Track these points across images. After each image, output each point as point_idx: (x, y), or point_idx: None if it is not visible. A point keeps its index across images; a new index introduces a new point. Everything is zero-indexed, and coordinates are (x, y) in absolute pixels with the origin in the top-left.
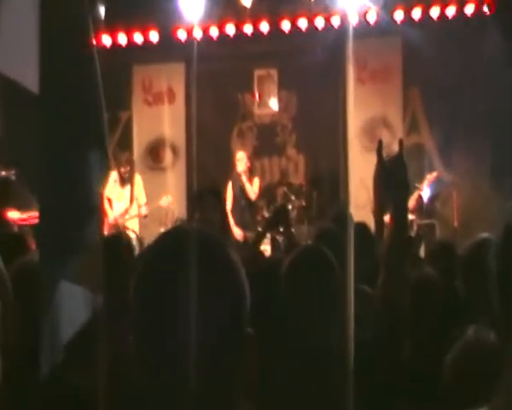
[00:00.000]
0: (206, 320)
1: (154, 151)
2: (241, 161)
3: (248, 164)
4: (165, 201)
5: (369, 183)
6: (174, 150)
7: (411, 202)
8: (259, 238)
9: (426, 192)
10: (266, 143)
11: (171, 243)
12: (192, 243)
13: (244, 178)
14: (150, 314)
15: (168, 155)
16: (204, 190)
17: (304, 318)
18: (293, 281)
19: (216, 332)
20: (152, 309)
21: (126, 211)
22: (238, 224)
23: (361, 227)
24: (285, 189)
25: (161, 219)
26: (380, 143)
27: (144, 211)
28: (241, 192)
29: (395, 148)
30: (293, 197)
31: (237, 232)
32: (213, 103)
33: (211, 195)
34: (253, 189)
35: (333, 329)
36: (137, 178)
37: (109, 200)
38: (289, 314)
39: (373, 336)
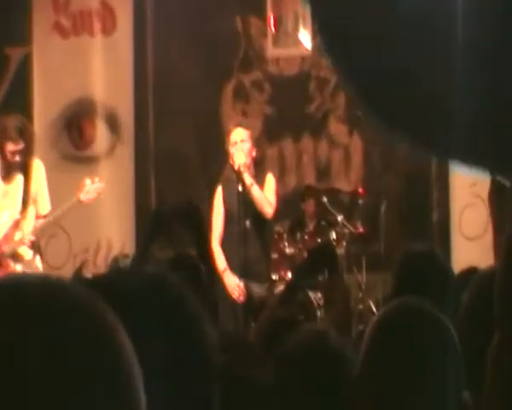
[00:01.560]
0: None
1: (75, 124)
2: (241, 145)
3: (254, 151)
4: (90, 190)
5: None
6: (112, 125)
7: None
8: (287, 296)
9: None
10: (289, 113)
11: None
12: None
13: (246, 178)
14: None
15: (101, 134)
16: (168, 208)
17: None
18: (382, 361)
19: None
20: None
21: (16, 225)
22: (234, 266)
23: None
24: (324, 199)
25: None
26: None
27: (42, 222)
28: (240, 205)
29: None
30: (339, 218)
31: (232, 282)
32: (189, 35)
33: (180, 216)
34: (263, 197)
35: None
36: (37, 167)
37: None
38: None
39: None
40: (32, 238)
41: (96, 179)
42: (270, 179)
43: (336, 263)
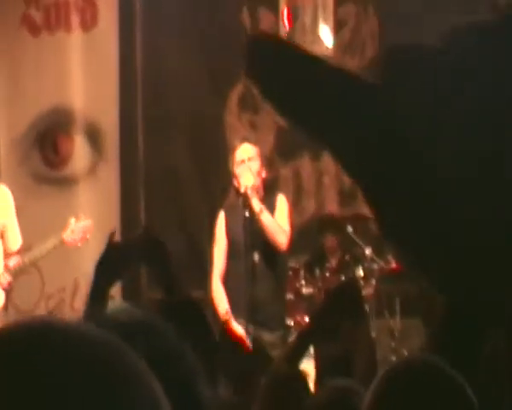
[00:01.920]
0: None
1: (48, 139)
2: (248, 164)
3: (264, 172)
4: (76, 230)
5: None
6: (94, 139)
7: None
8: (301, 347)
9: None
10: None
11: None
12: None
13: (255, 204)
14: None
15: (80, 150)
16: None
17: None
18: None
19: None
20: None
21: None
22: (240, 310)
23: None
24: (349, 229)
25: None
26: None
27: (15, 263)
28: (246, 235)
29: None
30: (368, 250)
31: (236, 330)
32: (187, 32)
33: (139, 250)
34: (275, 225)
35: None
36: (3, 194)
37: None
38: None
39: None
40: (9, 279)
41: (82, 217)
42: (282, 202)
43: (362, 307)
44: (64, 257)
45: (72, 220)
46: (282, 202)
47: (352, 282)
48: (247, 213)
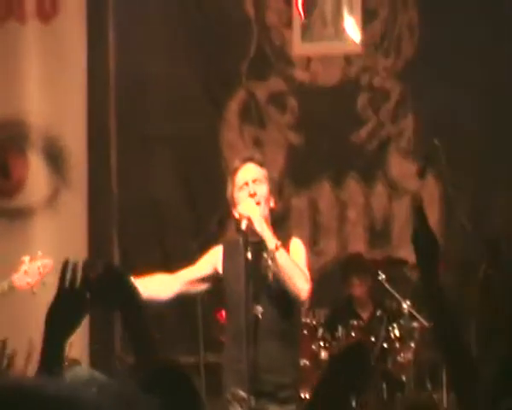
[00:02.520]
0: None
1: None
2: (253, 187)
3: (273, 201)
4: (30, 271)
5: None
6: (54, 160)
7: None
8: None
9: None
10: (325, 143)
11: None
12: None
13: (268, 237)
14: None
15: (37, 173)
16: (114, 271)
17: None
18: None
19: None
20: None
21: None
22: (241, 379)
23: None
24: (382, 276)
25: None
26: None
27: None
28: (248, 282)
29: None
30: (405, 304)
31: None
32: (173, 22)
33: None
34: (294, 266)
35: None
36: None
37: None
38: None
39: None
40: None
41: (39, 254)
42: (298, 247)
43: (372, 376)
44: (15, 308)
45: (26, 259)
46: (296, 246)
47: (362, 345)
48: (249, 255)
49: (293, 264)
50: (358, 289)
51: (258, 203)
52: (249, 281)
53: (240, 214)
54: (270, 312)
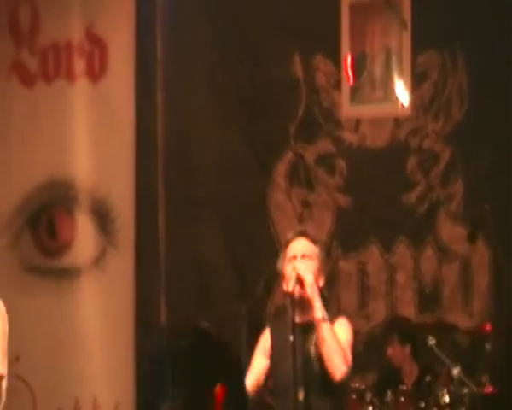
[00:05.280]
0: None
1: (44, 219)
2: (302, 265)
3: (322, 280)
4: None
5: None
6: (102, 220)
7: None
8: None
9: None
10: (374, 206)
11: None
12: None
13: (316, 307)
14: None
15: (84, 233)
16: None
17: None
18: None
19: None
20: None
21: None
22: None
23: None
24: (431, 341)
25: None
26: None
27: None
28: (295, 360)
29: None
30: (455, 370)
31: None
32: (222, 84)
33: None
34: (337, 340)
35: None
36: None
37: None
38: None
39: None
40: None
41: None
42: (343, 326)
43: None
44: (61, 371)
45: None
46: (342, 325)
47: None
48: (291, 338)
49: (336, 340)
50: (406, 354)
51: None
52: (296, 358)
53: (287, 283)
54: (311, 395)
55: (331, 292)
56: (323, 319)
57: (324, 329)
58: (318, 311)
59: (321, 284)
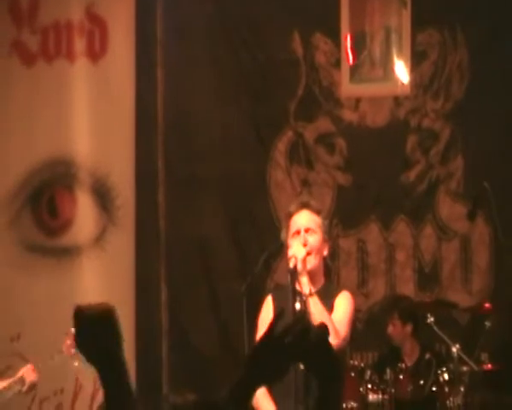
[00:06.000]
0: None
1: (44, 198)
2: (303, 241)
3: (326, 249)
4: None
5: None
6: (102, 198)
7: None
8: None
9: None
10: (374, 185)
11: None
12: None
13: (304, 282)
14: None
15: (85, 212)
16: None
17: None
18: None
19: None
20: None
21: None
22: None
23: None
24: (431, 319)
25: None
26: None
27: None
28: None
29: None
30: (455, 348)
31: None
32: (222, 63)
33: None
34: (325, 316)
35: None
36: None
37: None
38: None
39: None
40: None
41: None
42: (344, 299)
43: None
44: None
45: (72, 330)
46: (343, 298)
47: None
48: (297, 305)
49: (325, 314)
50: (407, 332)
51: (309, 253)
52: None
53: (289, 257)
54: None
55: (332, 268)
56: (310, 294)
57: (312, 303)
58: (306, 286)
59: (325, 253)
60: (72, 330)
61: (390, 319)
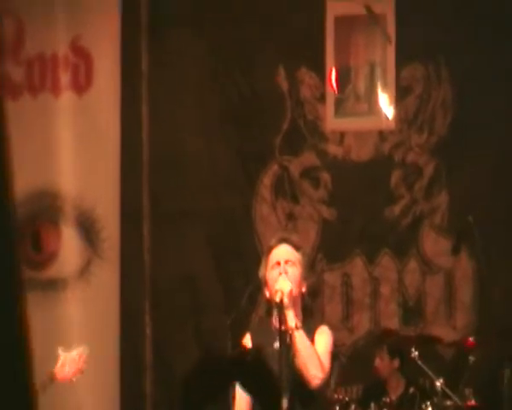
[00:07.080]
0: None
1: (29, 231)
2: (285, 268)
3: (304, 286)
4: (68, 361)
5: None
6: (87, 231)
7: None
8: None
9: None
10: (358, 219)
11: None
12: None
13: (289, 317)
14: None
15: (70, 244)
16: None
17: None
18: None
19: None
20: None
21: None
22: None
23: None
24: (415, 354)
25: None
26: None
27: None
28: (281, 366)
29: None
30: (438, 382)
31: None
32: (207, 98)
33: None
34: (311, 351)
35: None
36: None
37: None
38: None
39: None
40: None
41: (75, 346)
42: (325, 333)
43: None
44: (55, 394)
45: (61, 351)
46: (322, 332)
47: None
48: (276, 345)
49: (311, 348)
50: (390, 366)
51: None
52: (283, 366)
53: (271, 292)
54: (297, 399)
55: (315, 304)
56: (296, 328)
57: (297, 337)
58: (291, 320)
59: (303, 289)
60: (78, 353)
61: (378, 352)
